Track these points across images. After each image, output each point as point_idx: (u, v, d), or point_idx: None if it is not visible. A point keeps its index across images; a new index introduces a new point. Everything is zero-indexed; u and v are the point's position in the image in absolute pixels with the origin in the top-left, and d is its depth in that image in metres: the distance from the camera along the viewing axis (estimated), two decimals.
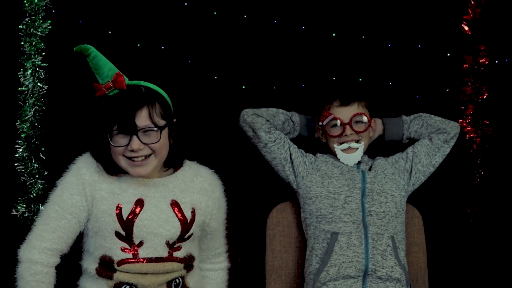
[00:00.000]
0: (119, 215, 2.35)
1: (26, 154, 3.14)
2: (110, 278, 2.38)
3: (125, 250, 2.36)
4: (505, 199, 3.22)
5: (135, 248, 2.37)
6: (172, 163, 2.47)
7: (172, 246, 2.41)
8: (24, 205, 3.13)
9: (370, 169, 2.82)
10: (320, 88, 3.15)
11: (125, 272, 2.37)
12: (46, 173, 3.16)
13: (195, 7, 3.23)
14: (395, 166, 2.84)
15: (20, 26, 3.13)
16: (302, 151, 2.88)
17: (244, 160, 3.17)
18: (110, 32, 3.20)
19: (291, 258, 2.91)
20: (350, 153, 2.80)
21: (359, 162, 2.83)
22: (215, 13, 3.23)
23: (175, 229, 2.40)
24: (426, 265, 2.93)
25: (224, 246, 2.64)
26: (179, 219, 2.41)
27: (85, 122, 3.01)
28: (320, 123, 2.83)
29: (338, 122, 2.78)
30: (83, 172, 2.40)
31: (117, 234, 2.36)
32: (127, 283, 2.37)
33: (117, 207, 2.36)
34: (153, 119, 2.33)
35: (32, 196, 3.13)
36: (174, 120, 2.44)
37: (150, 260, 2.37)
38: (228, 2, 3.22)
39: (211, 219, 2.51)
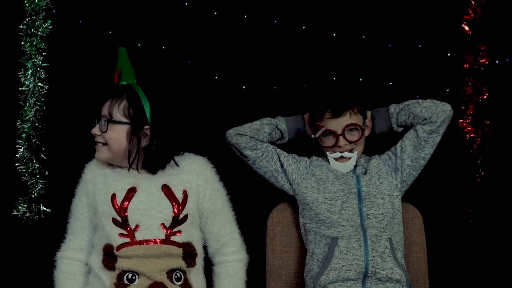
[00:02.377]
0: (114, 202, 2.52)
1: (27, 154, 3.14)
2: (113, 269, 2.49)
3: (123, 235, 2.49)
4: (505, 199, 3.21)
5: (132, 231, 2.50)
6: (149, 166, 2.54)
7: (169, 230, 2.52)
8: (25, 205, 3.13)
9: (365, 173, 2.80)
10: (311, 97, 3.12)
11: (125, 257, 2.48)
12: (47, 173, 3.16)
13: (196, 7, 3.23)
14: (388, 165, 2.81)
15: (21, 26, 3.14)
16: (295, 156, 2.85)
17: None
18: (110, 32, 3.21)
19: (291, 258, 2.91)
20: (343, 162, 2.78)
21: (355, 166, 2.81)
22: (215, 13, 3.23)
23: (167, 210, 2.52)
24: (427, 265, 2.92)
25: (232, 235, 2.66)
26: (170, 201, 2.52)
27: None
28: (313, 136, 2.81)
29: (331, 132, 2.75)
30: (86, 174, 2.63)
31: (114, 221, 2.51)
32: (129, 271, 2.48)
33: (112, 195, 2.53)
34: (111, 111, 2.51)
35: (33, 196, 3.14)
36: (146, 127, 2.50)
37: (146, 241, 2.49)
38: (229, 2, 3.22)
39: (204, 200, 2.59)
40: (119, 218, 2.50)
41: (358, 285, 2.66)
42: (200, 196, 2.58)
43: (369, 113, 2.83)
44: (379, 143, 2.89)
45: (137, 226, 2.50)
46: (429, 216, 3.04)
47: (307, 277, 2.75)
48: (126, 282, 2.49)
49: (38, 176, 3.15)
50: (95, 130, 2.52)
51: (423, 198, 3.00)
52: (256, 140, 2.78)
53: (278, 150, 2.82)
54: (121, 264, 2.49)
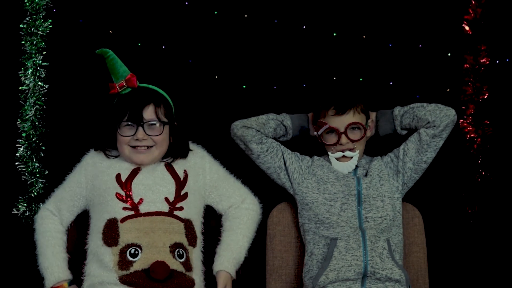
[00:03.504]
0: (119, 179, 2.62)
1: (27, 153, 3.14)
2: (116, 244, 2.54)
3: (126, 209, 2.58)
4: (505, 199, 3.20)
5: (135, 205, 2.58)
6: (178, 154, 2.72)
7: (172, 205, 2.61)
8: (25, 204, 3.13)
9: (366, 174, 2.80)
10: (315, 94, 3.13)
11: (129, 231, 2.55)
12: (46, 172, 3.16)
13: (196, 6, 3.22)
14: (390, 167, 2.81)
15: (21, 25, 3.14)
16: (298, 154, 2.85)
17: (245, 159, 3.16)
18: (110, 31, 3.20)
19: (291, 257, 2.90)
20: (344, 162, 2.78)
21: (356, 167, 2.81)
22: (215, 12, 3.23)
23: (171, 185, 2.64)
24: (427, 265, 2.92)
25: (246, 193, 2.79)
26: (173, 177, 2.65)
27: (94, 114, 3.06)
28: (316, 133, 2.81)
29: (334, 130, 2.75)
30: (87, 158, 2.72)
31: (118, 195, 2.59)
32: (132, 245, 2.53)
33: (117, 175, 2.64)
34: (158, 115, 2.64)
35: (32, 195, 3.14)
36: (175, 123, 2.71)
37: (150, 214, 2.58)
38: (229, 2, 3.22)
39: (206, 173, 2.74)
40: (122, 193, 2.59)
41: (358, 285, 2.66)
42: (200, 172, 2.73)
43: (373, 114, 2.83)
44: (381, 145, 2.90)
45: (140, 200, 2.60)
46: (429, 216, 3.04)
47: (306, 278, 2.75)
48: (129, 258, 2.53)
49: (38, 175, 3.15)
50: (141, 135, 2.62)
51: (423, 198, 2.99)
52: (261, 134, 2.78)
53: (283, 147, 2.82)
54: (125, 237, 2.54)
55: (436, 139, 2.74)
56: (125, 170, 2.66)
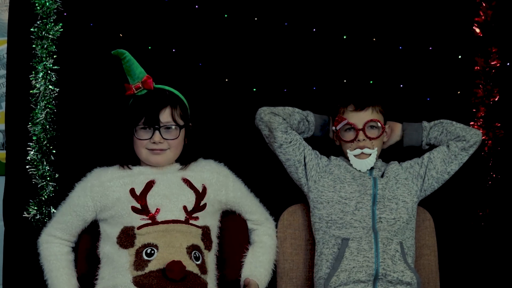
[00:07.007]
0: (133, 193, 2.64)
1: (38, 156, 3.15)
2: (132, 245, 2.55)
3: (144, 219, 2.58)
4: None
5: (152, 215, 2.59)
6: (186, 161, 2.76)
7: (189, 214, 2.61)
8: (36, 208, 3.13)
9: (382, 176, 2.81)
10: (334, 90, 3.14)
11: (146, 234, 2.56)
12: (57, 175, 3.17)
13: (206, 9, 3.23)
14: (409, 171, 2.83)
15: (32, 29, 3.15)
16: (317, 152, 2.88)
17: (255, 162, 3.17)
18: (121, 35, 3.21)
19: (302, 260, 2.91)
20: (363, 159, 2.80)
21: (372, 168, 2.82)
22: (226, 15, 3.24)
23: (190, 194, 2.65)
24: (438, 267, 2.92)
25: (264, 214, 2.83)
26: (191, 190, 2.66)
27: (108, 119, 3.09)
28: (334, 128, 2.82)
29: (352, 127, 2.77)
30: (93, 178, 2.75)
31: (134, 208, 2.60)
32: (149, 245, 2.53)
33: (131, 189, 2.65)
34: (175, 117, 2.70)
35: (43, 198, 3.14)
36: (190, 124, 2.76)
37: (167, 222, 2.58)
38: (239, 5, 3.22)
39: (229, 190, 2.76)
40: (138, 205, 2.60)
41: (369, 287, 2.66)
42: (223, 190, 2.74)
43: (397, 125, 2.87)
44: (398, 154, 2.92)
45: (157, 209, 2.60)
46: (440, 218, 3.04)
47: (316, 278, 2.76)
48: (145, 257, 2.53)
49: (48, 179, 3.15)
50: (158, 138, 2.65)
51: (434, 201, 2.99)
52: (287, 123, 2.80)
53: (305, 142, 2.85)
54: (142, 238, 2.55)
55: (463, 153, 2.81)
56: (138, 184, 2.66)
